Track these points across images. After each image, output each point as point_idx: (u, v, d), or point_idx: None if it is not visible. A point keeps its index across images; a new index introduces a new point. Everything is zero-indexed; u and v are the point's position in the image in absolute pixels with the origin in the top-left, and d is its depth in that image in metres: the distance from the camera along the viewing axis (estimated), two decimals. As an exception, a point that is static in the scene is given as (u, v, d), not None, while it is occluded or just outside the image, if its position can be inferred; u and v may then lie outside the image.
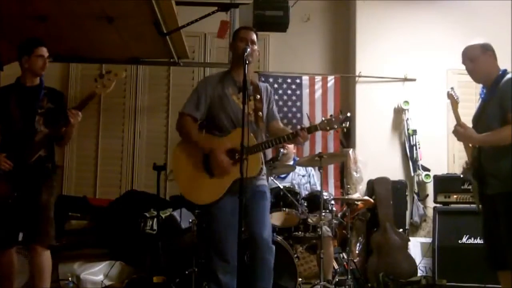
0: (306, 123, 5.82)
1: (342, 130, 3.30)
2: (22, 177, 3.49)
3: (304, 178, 4.89)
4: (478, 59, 3.18)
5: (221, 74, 3.34)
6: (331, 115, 3.14)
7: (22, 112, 3.57)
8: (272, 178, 4.34)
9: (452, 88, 3.22)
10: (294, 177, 4.87)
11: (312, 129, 3.13)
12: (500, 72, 3.16)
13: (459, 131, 3.12)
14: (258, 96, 3.24)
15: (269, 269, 3.13)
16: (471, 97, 5.36)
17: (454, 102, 3.18)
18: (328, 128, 3.12)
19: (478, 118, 3.22)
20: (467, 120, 3.20)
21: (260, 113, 3.21)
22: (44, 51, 3.60)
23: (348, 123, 3.11)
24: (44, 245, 3.49)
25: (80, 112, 3.46)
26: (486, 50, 3.19)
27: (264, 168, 3.29)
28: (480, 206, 3.23)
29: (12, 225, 3.51)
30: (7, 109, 3.57)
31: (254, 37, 3.24)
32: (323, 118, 3.15)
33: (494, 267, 3.18)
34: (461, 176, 5.08)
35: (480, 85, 3.33)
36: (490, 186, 3.10)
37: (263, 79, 5.85)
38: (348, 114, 3.12)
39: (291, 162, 4.85)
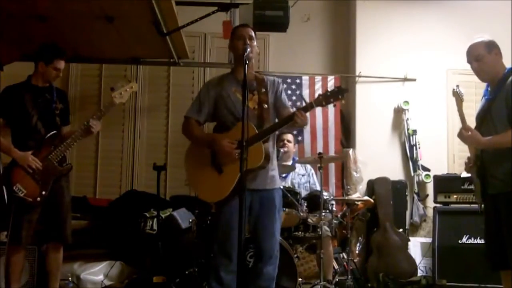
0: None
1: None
2: (50, 177, 3.61)
3: (304, 178, 4.89)
4: (483, 59, 3.12)
5: (223, 75, 3.37)
6: (326, 90, 3.04)
7: (40, 112, 3.70)
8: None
9: (457, 86, 3.15)
10: (294, 177, 4.87)
11: (308, 106, 3.04)
12: (506, 71, 3.12)
13: (464, 135, 3.07)
14: (264, 90, 3.23)
15: (270, 278, 3.19)
16: (471, 97, 5.32)
17: (459, 100, 3.12)
18: (324, 103, 2.99)
19: (482, 117, 3.17)
20: (470, 120, 3.16)
21: (266, 105, 3.19)
22: (62, 65, 3.76)
23: (344, 94, 2.96)
24: (63, 243, 3.76)
25: (99, 122, 3.67)
26: (492, 49, 3.14)
27: (274, 162, 3.26)
28: (482, 205, 3.21)
29: (32, 225, 3.63)
30: (22, 107, 3.67)
31: (252, 33, 3.23)
32: (319, 94, 3.05)
33: (495, 267, 3.18)
34: (462, 174, 5.14)
35: (485, 84, 3.28)
36: (492, 185, 3.08)
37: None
38: (343, 86, 2.99)
39: (290, 162, 4.85)
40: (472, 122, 3.20)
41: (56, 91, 3.81)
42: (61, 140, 3.67)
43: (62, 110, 3.79)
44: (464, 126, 3.09)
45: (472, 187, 5.00)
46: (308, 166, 4.98)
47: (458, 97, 3.12)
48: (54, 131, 3.68)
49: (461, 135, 3.10)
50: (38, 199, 3.56)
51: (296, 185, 4.73)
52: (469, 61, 3.19)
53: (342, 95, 2.97)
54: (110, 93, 3.69)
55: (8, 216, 3.45)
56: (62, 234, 3.71)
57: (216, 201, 3.19)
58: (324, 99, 2.99)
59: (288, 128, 3.21)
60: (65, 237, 3.73)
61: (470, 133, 3.07)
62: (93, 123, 3.61)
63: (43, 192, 3.57)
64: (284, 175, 4.84)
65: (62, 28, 4.46)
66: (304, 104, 3.09)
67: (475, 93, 4.87)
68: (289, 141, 4.83)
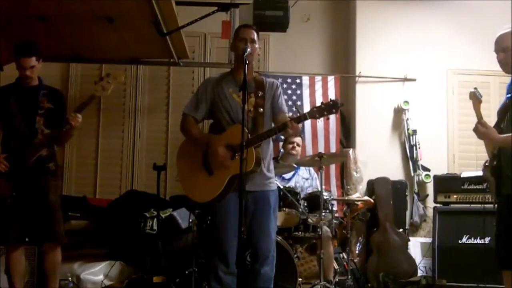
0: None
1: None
2: (22, 177, 3.55)
3: (307, 182, 4.88)
4: (509, 50, 3.04)
5: (223, 75, 3.37)
6: (321, 102, 3.03)
7: (23, 112, 3.63)
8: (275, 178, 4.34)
9: (475, 88, 3.08)
10: (298, 180, 4.86)
11: (301, 118, 3.04)
12: None
13: (480, 130, 3.00)
14: (261, 93, 3.24)
15: (268, 279, 3.17)
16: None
17: (476, 101, 3.04)
18: (317, 115, 2.99)
19: (502, 114, 3.12)
20: (472, 120, 3.14)
21: (261, 109, 3.19)
22: (26, 62, 3.59)
23: (338, 108, 2.97)
24: (57, 242, 3.67)
25: (79, 115, 3.50)
26: None
27: (268, 166, 3.26)
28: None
29: (19, 224, 3.58)
30: (7, 108, 3.63)
31: (254, 35, 3.24)
32: (313, 107, 3.05)
33: (504, 265, 3.15)
34: (462, 174, 5.14)
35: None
36: (507, 185, 3.03)
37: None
38: (338, 100, 3.01)
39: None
40: (473, 124, 3.16)
41: (47, 91, 3.71)
42: (40, 140, 3.57)
43: (50, 110, 3.65)
44: (480, 121, 3.01)
45: (472, 186, 5.03)
46: (312, 170, 4.96)
47: (475, 99, 3.03)
48: (33, 132, 3.58)
49: (476, 130, 3.03)
50: (8, 200, 3.52)
51: (299, 189, 4.71)
52: (496, 51, 3.13)
53: (336, 109, 2.97)
54: (93, 86, 3.55)
55: None
56: (53, 234, 3.62)
57: (203, 202, 3.22)
58: (318, 112, 2.99)
59: (281, 135, 3.22)
60: (57, 237, 3.64)
61: (486, 129, 3.04)
62: (72, 115, 3.46)
63: (14, 193, 3.53)
64: (288, 177, 4.84)
65: (62, 28, 4.46)
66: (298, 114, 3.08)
67: (476, 93, 4.86)
68: (298, 145, 4.84)
